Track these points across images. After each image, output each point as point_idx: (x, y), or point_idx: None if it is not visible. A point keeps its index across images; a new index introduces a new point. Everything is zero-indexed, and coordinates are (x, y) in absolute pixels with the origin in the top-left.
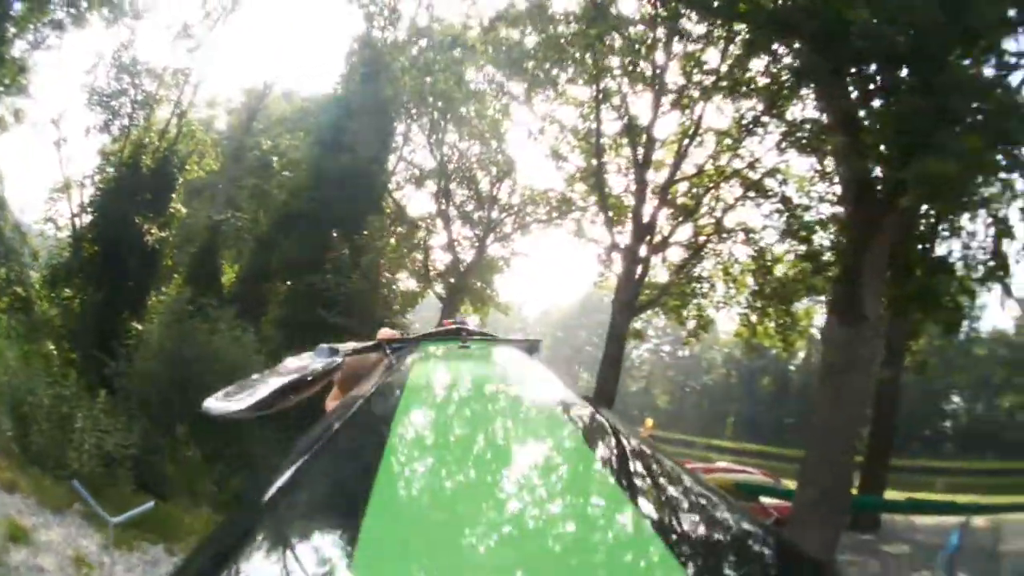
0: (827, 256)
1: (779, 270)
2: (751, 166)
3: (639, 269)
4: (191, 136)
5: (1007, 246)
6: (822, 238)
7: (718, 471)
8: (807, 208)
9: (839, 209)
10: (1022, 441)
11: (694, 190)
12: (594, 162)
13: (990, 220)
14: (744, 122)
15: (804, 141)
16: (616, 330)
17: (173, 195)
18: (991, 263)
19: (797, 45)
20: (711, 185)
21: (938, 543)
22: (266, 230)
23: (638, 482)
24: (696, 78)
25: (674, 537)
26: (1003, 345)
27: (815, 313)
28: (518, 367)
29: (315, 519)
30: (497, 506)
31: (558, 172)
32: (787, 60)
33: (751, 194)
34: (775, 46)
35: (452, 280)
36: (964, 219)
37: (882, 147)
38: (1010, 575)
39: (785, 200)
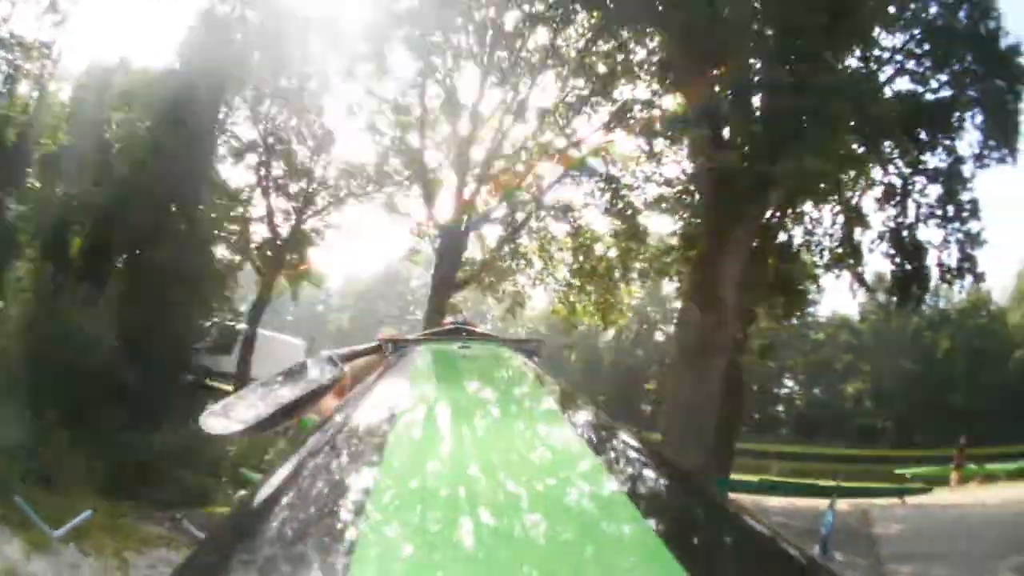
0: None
1: (602, 248)
2: (575, 145)
3: (459, 245)
4: (48, 110)
5: (859, 234)
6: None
7: None
8: (632, 188)
9: (667, 190)
10: (866, 426)
11: (515, 167)
12: (413, 136)
13: (838, 208)
14: (570, 101)
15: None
16: (436, 305)
17: (29, 169)
18: (839, 249)
19: (658, 38)
20: (532, 162)
21: (796, 525)
22: (106, 204)
23: (641, 487)
24: (524, 55)
25: (686, 551)
26: (846, 330)
27: (636, 292)
28: (515, 370)
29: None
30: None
31: (374, 146)
32: (641, 49)
33: (575, 172)
34: (626, 33)
35: (269, 253)
36: (807, 205)
37: (748, 142)
38: (886, 557)
39: (609, 179)
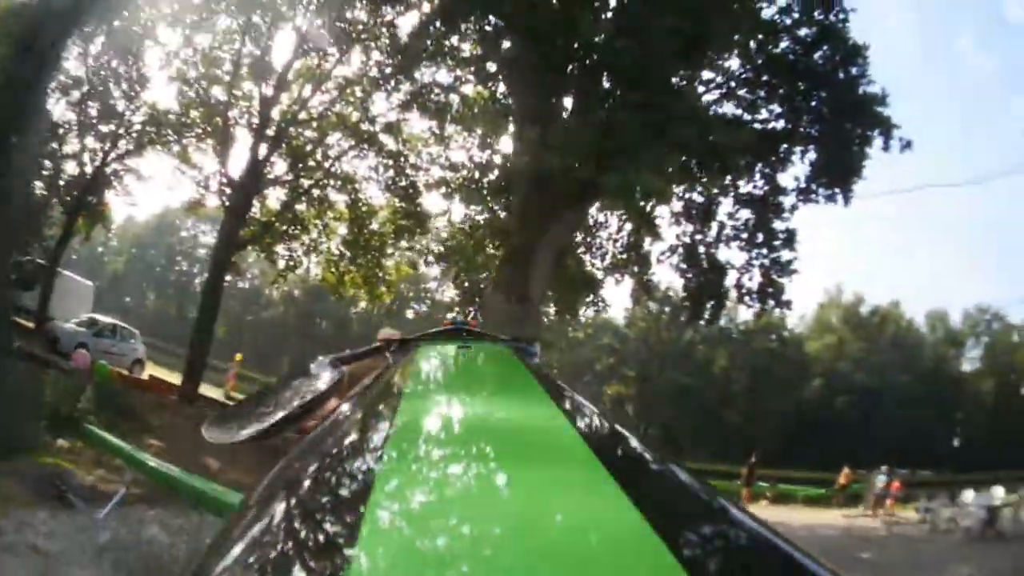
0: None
1: (377, 224)
2: (370, 120)
3: (246, 204)
4: None
5: (649, 244)
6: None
7: None
8: (417, 168)
9: (450, 175)
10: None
11: (309, 133)
12: (218, 90)
13: (625, 216)
14: (373, 76)
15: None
16: (218, 260)
17: None
18: (623, 255)
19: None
20: (325, 131)
21: None
22: None
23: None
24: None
25: (680, 546)
26: (611, 335)
27: (404, 270)
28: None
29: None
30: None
31: (181, 97)
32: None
33: (364, 146)
34: (465, 25)
35: (75, 192)
36: (592, 209)
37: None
38: None
39: (395, 156)
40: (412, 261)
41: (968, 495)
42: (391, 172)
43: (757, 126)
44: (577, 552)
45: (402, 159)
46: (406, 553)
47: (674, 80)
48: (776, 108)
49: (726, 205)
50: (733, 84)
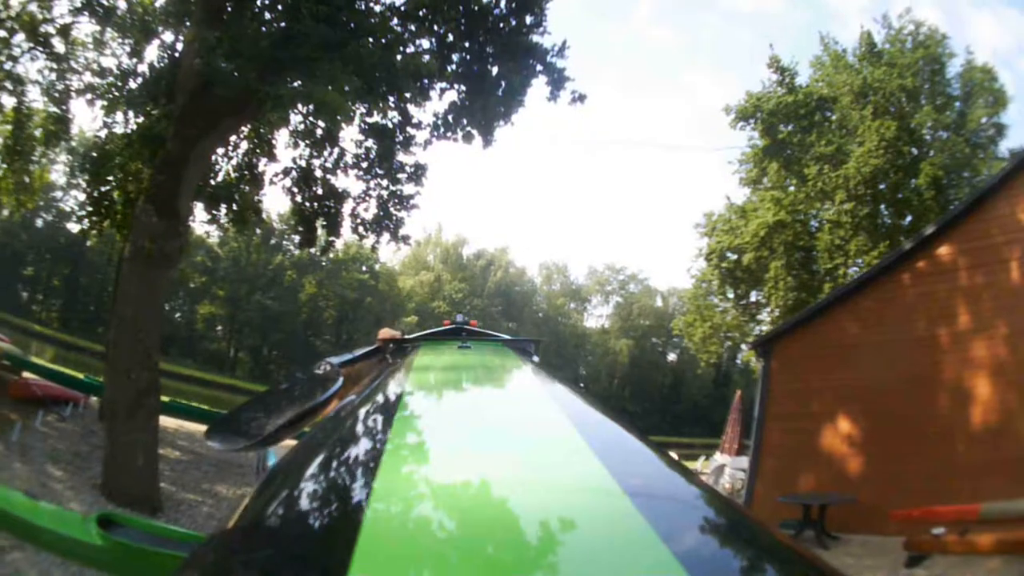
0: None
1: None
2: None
3: None
4: None
5: (264, 165)
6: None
7: None
8: (75, 72)
9: (98, 80)
10: (218, 352)
11: None
12: None
13: (244, 133)
14: None
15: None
16: None
17: None
18: (235, 175)
19: None
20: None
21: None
22: None
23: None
24: None
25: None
26: (203, 251)
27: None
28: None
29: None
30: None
31: None
32: None
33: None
34: None
35: None
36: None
37: (249, 53)
38: None
39: (59, 58)
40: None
41: None
42: (53, 76)
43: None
44: (562, 516)
45: (64, 63)
46: (408, 546)
47: None
48: (423, 42)
49: (352, 132)
50: (389, 14)
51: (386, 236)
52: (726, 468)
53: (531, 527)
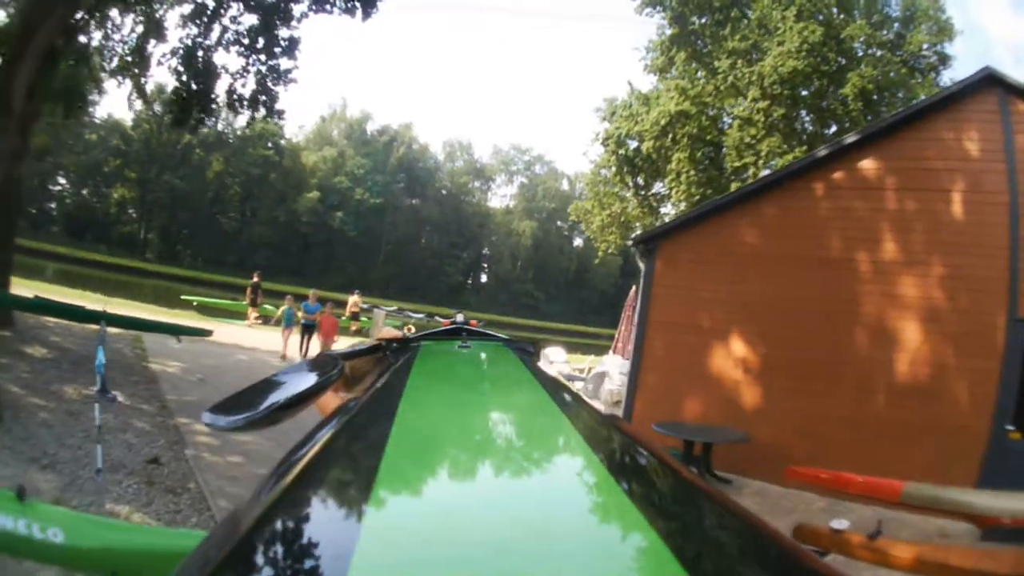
0: None
1: None
2: None
3: None
4: None
5: (153, 46)
6: None
7: None
8: None
9: None
10: (129, 234)
11: None
12: None
13: (142, 18)
14: None
15: None
16: None
17: None
18: (128, 58)
19: None
20: None
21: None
22: None
23: (643, 487)
24: None
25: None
26: (117, 135)
27: None
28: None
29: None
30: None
31: None
32: None
33: None
34: None
35: None
36: (115, 12)
37: None
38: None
39: None
40: None
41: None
42: None
43: None
44: (556, 518)
45: None
46: (408, 540)
47: None
48: None
49: (235, 9)
50: None
51: (262, 111)
52: (608, 375)
53: (531, 527)
